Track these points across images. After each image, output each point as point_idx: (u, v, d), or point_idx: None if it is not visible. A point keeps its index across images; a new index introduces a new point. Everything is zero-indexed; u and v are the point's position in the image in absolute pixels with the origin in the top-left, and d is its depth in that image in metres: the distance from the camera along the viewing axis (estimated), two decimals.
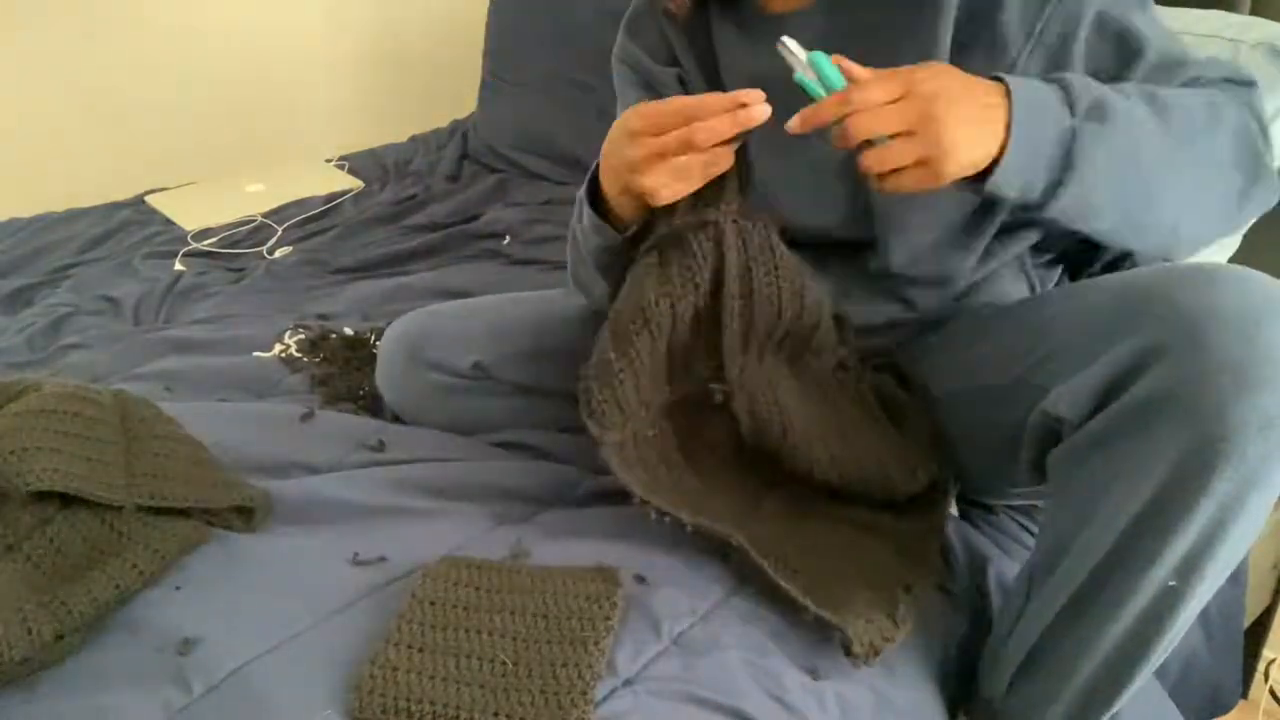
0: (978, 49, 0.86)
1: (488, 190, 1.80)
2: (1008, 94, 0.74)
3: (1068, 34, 0.85)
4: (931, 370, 0.98)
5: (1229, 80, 0.85)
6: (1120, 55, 0.86)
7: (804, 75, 0.76)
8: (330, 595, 0.80)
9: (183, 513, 0.87)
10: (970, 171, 0.74)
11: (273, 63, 2.15)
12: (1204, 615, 1.09)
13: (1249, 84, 0.85)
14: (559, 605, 0.77)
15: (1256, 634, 1.42)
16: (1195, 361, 0.67)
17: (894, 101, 0.72)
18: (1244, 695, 1.27)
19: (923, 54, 0.86)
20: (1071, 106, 0.76)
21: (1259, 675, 1.44)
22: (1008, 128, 0.73)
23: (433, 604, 0.77)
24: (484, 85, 1.98)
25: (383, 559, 0.84)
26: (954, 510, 1.00)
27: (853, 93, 0.73)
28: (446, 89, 2.24)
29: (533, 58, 1.87)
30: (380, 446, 1.00)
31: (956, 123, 0.72)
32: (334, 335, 1.29)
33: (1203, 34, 1.14)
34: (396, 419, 1.10)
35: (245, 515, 0.90)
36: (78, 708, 0.70)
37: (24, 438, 0.82)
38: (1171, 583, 0.72)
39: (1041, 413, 0.77)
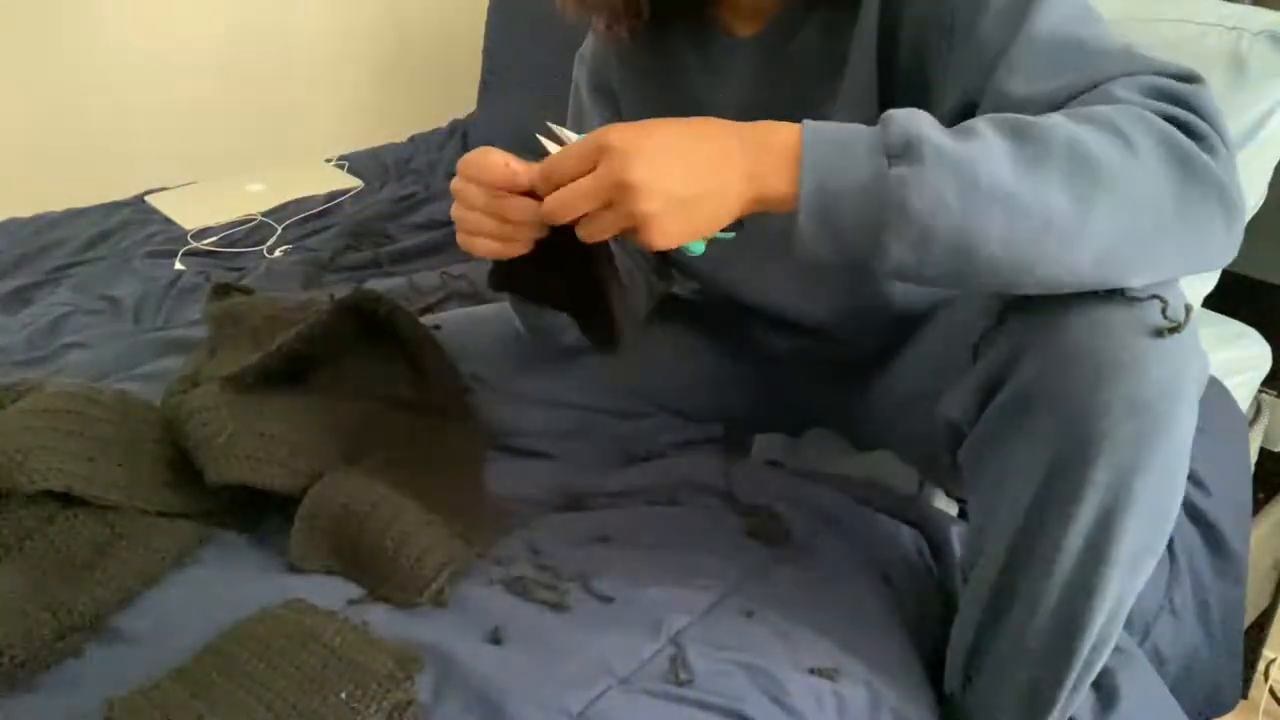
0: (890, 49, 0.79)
1: None
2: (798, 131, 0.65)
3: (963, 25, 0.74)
4: (889, 379, 0.99)
5: (1160, 76, 0.68)
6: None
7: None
8: (329, 596, 0.80)
9: (183, 513, 0.87)
10: (697, 235, 0.66)
11: (272, 63, 2.15)
12: (1204, 615, 1.09)
13: (1186, 79, 0.68)
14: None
15: (1256, 634, 1.42)
16: (1054, 354, 0.66)
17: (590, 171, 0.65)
18: (1244, 695, 1.27)
19: (855, 78, 0.81)
20: (886, 148, 0.63)
21: (1259, 675, 1.44)
22: (799, 179, 0.64)
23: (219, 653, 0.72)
24: (484, 85, 1.97)
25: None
26: (953, 510, 1.00)
27: (549, 164, 0.67)
28: (446, 89, 2.24)
29: (533, 58, 1.87)
30: None
31: (659, 190, 0.63)
32: None
33: (1205, 23, 1.14)
34: None
35: (241, 514, 0.90)
36: (79, 708, 0.70)
37: (27, 437, 0.82)
38: (1078, 576, 0.72)
39: (941, 416, 0.78)
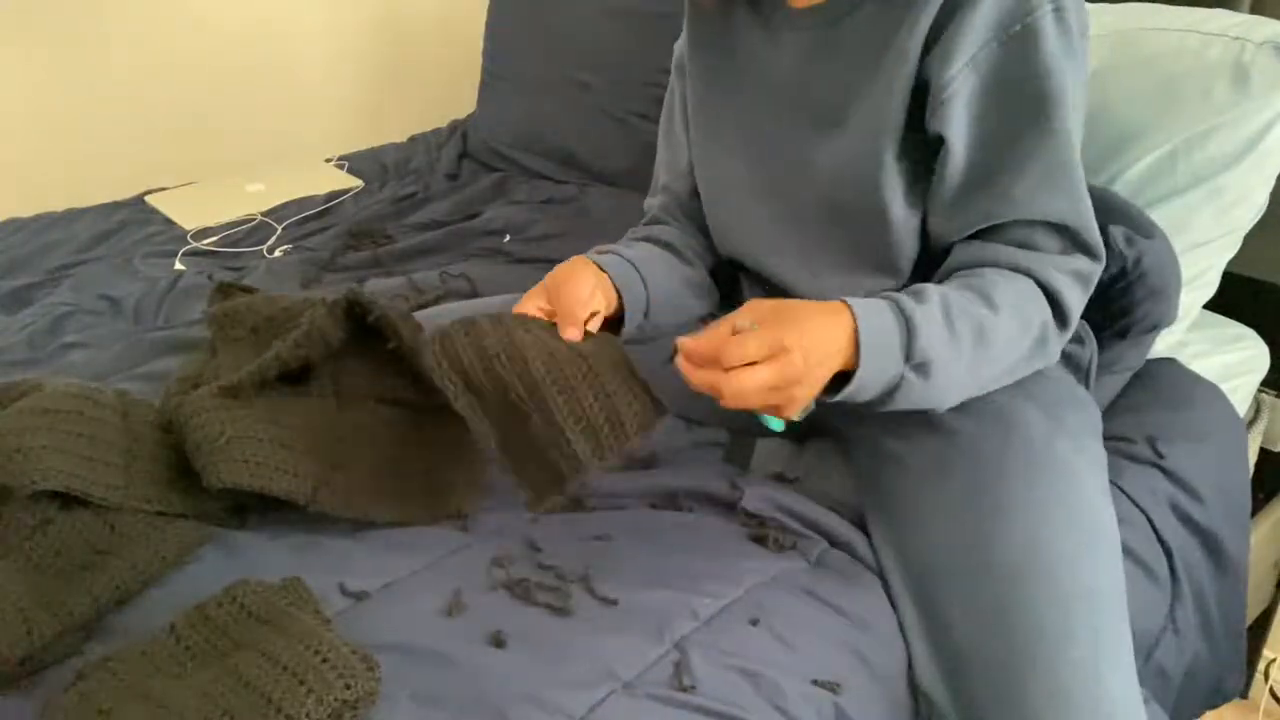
0: (933, 55, 0.86)
1: (487, 189, 1.80)
2: (854, 327, 0.79)
3: (992, 78, 0.86)
4: None
5: (1054, 228, 0.88)
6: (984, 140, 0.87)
7: None
8: (327, 599, 0.80)
9: (183, 513, 0.87)
10: None
11: (273, 62, 2.15)
12: (1206, 624, 1.10)
13: (1069, 230, 0.88)
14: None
15: (1256, 634, 1.42)
16: None
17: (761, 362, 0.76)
18: (1244, 695, 1.27)
19: (898, 64, 0.87)
20: (908, 354, 0.80)
21: (1259, 675, 1.44)
22: (855, 354, 0.79)
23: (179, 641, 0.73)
24: (484, 85, 1.97)
25: (365, 593, 0.83)
26: None
27: (728, 350, 0.76)
28: (446, 89, 2.24)
29: (533, 58, 1.87)
30: None
31: (811, 390, 0.77)
32: None
33: (1208, 33, 1.14)
34: None
35: (241, 513, 0.90)
36: None
37: (27, 437, 0.82)
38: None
39: None
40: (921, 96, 0.87)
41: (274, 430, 0.89)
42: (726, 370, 0.75)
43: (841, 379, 0.80)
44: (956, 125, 0.86)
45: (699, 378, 0.77)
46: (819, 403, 0.80)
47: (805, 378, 0.76)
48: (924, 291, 0.84)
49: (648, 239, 1.08)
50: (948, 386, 0.84)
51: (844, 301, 0.80)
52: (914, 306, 0.82)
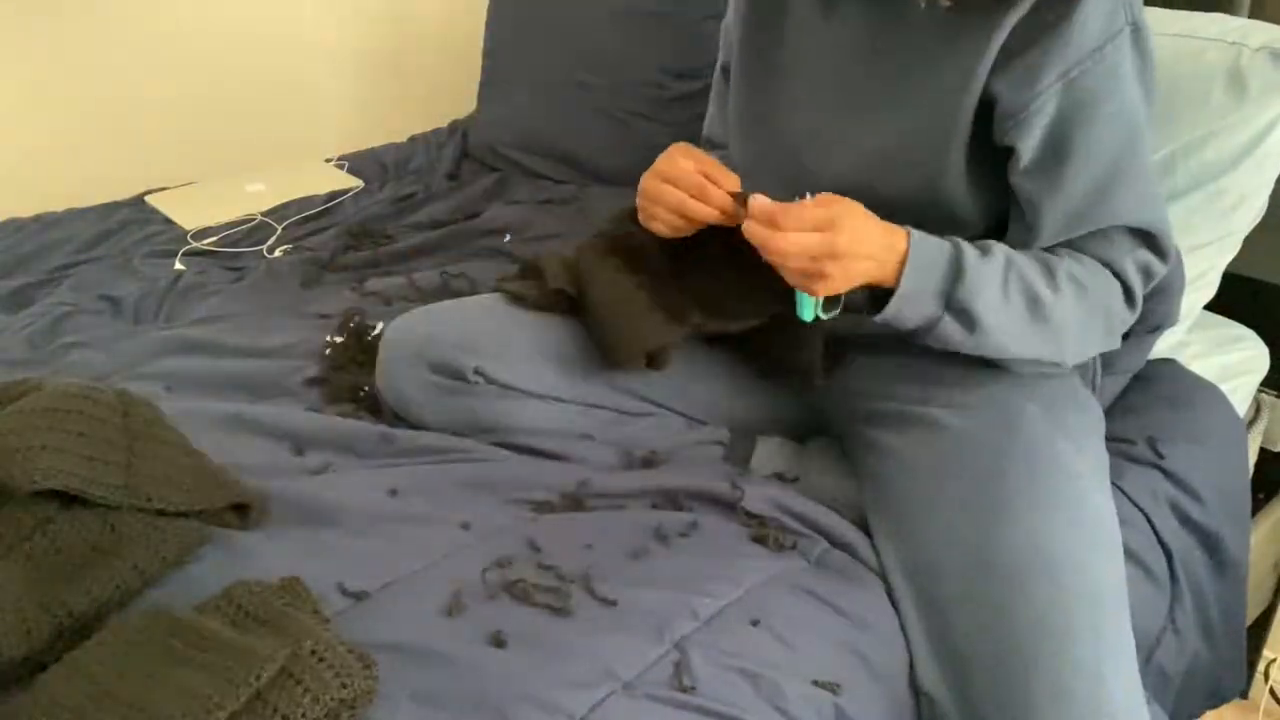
0: (1008, 74, 0.87)
1: (487, 188, 1.80)
2: (905, 252, 0.85)
3: (1085, 97, 0.86)
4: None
5: (1132, 231, 0.92)
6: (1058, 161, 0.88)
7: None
8: (326, 599, 0.80)
9: (183, 512, 0.87)
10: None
11: (273, 62, 2.14)
12: (1205, 623, 1.10)
13: (1148, 234, 0.92)
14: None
15: (1256, 634, 1.42)
16: None
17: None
18: (1244, 695, 1.27)
19: (963, 68, 0.87)
20: (948, 299, 0.86)
21: (1259, 675, 1.44)
22: (898, 278, 0.85)
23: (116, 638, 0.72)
24: (484, 85, 1.97)
25: (365, 593, 0.82)
26: None
27: (785, 212, 0.83)
28: (446, 89, 2.24)
29: (533, 58, 1.87)
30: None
31: (844, 274, 0.83)
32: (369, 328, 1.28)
33: (1206, 38, 1.14)
34: (397, 418, 1.10)
35: (241, 512, 0.90)
36: None
37: (27, 436, 0.82)
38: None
39: None
40: (983, 108, 0.89)
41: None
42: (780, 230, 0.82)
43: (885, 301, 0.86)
44: (1034, 141, 0.87)
45: (754, 229, 0.84)
46: (851, 306, 0.87)
47: (844, 257, 0.82)
48: (990, 248, 0.88)
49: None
50: (1002, 344, 0.89)
51: (906, 229, 0.86)
52: (974, 259, 0.86)
